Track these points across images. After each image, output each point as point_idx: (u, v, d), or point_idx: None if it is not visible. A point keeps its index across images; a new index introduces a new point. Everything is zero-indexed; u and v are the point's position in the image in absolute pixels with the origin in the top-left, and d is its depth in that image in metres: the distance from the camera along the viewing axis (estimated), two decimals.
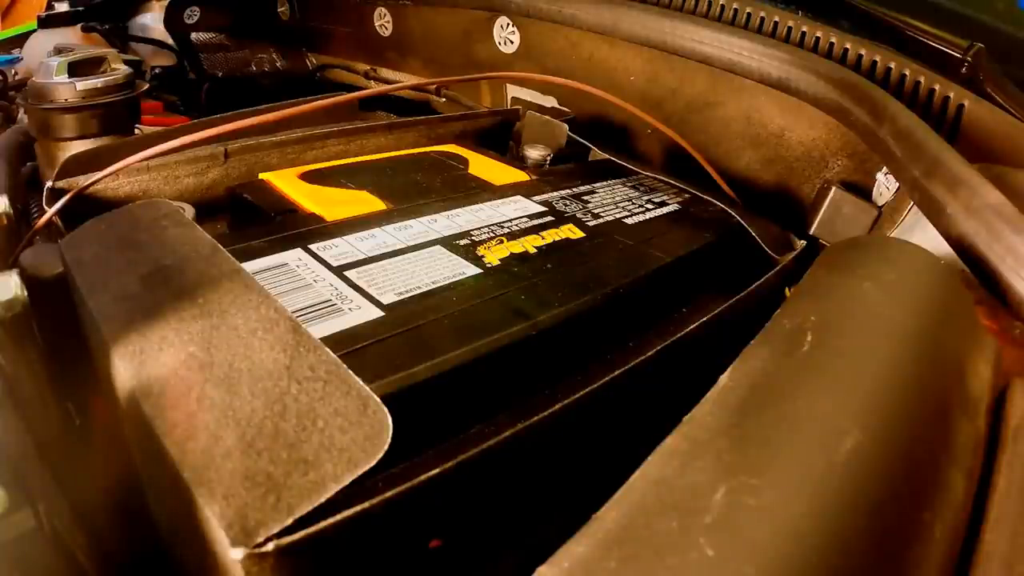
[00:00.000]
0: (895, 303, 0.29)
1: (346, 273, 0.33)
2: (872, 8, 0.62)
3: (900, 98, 0.45)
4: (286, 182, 0.44)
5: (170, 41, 0.89)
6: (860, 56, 0.53)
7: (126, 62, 0.54)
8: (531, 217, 0.42)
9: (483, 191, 0.46)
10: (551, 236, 0.40)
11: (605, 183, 0.50)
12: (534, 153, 0.54)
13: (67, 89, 0.48)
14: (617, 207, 0.46)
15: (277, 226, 0.38)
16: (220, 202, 0.45)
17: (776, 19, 0.57)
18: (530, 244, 0.39)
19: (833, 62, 0.51)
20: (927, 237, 0.38)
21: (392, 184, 0.45)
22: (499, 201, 0.44)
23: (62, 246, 0.31)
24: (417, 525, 0.23)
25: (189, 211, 0.39)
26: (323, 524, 0.19)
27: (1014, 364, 0.33)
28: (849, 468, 0.20)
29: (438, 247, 0.37)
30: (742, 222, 0.44)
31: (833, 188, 0.50)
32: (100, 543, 0.28)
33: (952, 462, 0.24)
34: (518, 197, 0.45)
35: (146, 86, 0.55)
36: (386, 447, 0.20)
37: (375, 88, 0.75)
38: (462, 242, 0.38)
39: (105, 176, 0.39)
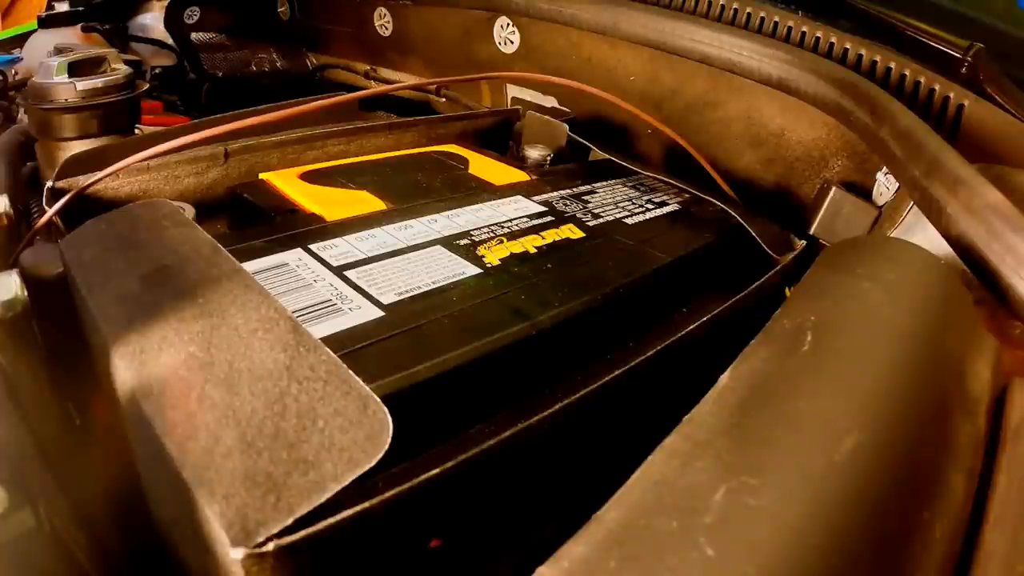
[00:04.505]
0: (895, 303, 0.29)
1: (346, 273, 0.33)
2: (872, 8, 0.62)
3: (900, 98, 0.45)
4: (286, 182, 0.44)
5: (170, 41, 0.89)
6: (860, 56, 0.53)
7: (126, 62, 0.54)
8: (531, 217, 0.42)
9: (483, 191, 0.46)
10: (551, 236, 0.40)
11: (605, 183, 0.50)
12: (534, 153, 0.54)
13: (67, 89, 0.48)
14: (617, 207, 0.46)
15: (277, 226, 0.38)
16: (220, 202, 0.45)
17: (776, 19, 0.57)
18: (530, 244, 0.39)
19: (833, 62, 0.51)
20: (927, 237, 0.38)
21: (392, 184, 0.45)
22: (499, 201, 0.44)
23: (62, 246, 0.31)
24: (417, 525, 0.23)
25: (189, 211, 0.39)
26: (323, 524, 0.19)
27: (1014, 364, 0.33)
28: (849, 468, 0.20)
29: (438, 247, 0.37)
30: (742, 222, 0.44)
31: (833, 188, 0.50)
32: (100, 543, 0.28)
33: (952, 462, 0.24)
34: (518, 197, 0.45)
35: (146, 86, 0.55)
36: (386, 447, 0.20)
37: (375, 88, 0.75)
38: (462, 242, 0.38)
39: (105, 176, 0.39)
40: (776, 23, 0.57)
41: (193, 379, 0.23)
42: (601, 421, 0.29)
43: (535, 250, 0.38)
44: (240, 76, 0.92)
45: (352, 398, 0.21)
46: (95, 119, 0.50)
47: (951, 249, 0.35)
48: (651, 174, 0.52)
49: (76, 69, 0.49)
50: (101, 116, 0.50)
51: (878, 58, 0.52)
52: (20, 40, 0.86)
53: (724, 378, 0.24)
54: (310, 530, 0.18)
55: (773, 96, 0.57)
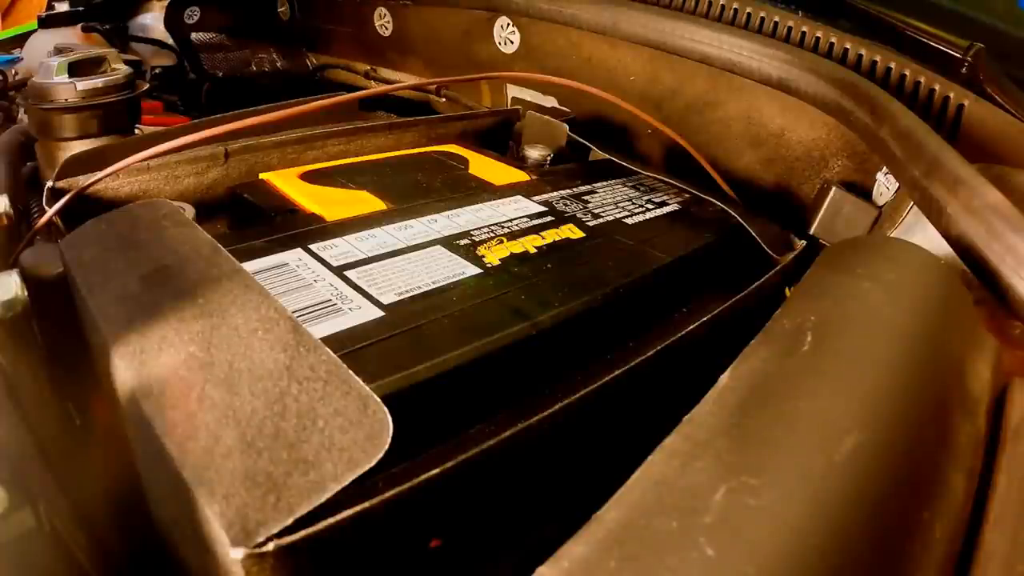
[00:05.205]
0: (895, 303, 0.29)
1: (346, 273, 0.33)
2: (872, 8, 0.62)
3: (900, 98, 0.45)
4: (286, 182, 0.44)
5: (170, 41, 0.89)
6: (860, 56, 0.53)
7: (126, 62, 0.54)
8: (531, 217, 0.42)
9: (483, 191, 0.46)
10: (551, 236, 0.40)
11: (605, 183, 0.50)
12: (534, 153, 0.54)
13: (67, 89, 0.48)
14: (617, 207, 0.46)
15: (277, 226, 0.38)
16: (220, 202, 0.45)
17: (776, 19, 0.57)
18: (530, 244, 0.39)
19: (833, 62, 0.51)
20: (927, 237, 0.38)
21: (392, 184, 0.45)
22: (499, 201, 0.44)
23: (62, 246, 0.31)
24: (417, 525, 0.23)
25: (189, 211, 0.39)
26: (323, 524, 0.19)
27: (1014, 364, 0.33)
28: (849, 468, 0.20)
29: (438, 247, 0.37)
30: (742, 222, 0.44)
31: (833, 188, 0.50)
32: (100, 543, 0.28)
33: (952, 462, 0.24)
34: (518, 197, 0.45)
35: (146, 86, 0.55)
36: (386, 447, 0.20)
37: (375, 88, 0.75)
38: (462, 242, 0.38)
39: (105, 176, 0.39)
40: (776, 23, 0.57)
41: (193, 379, 0.23)
42: (601, 421, 0.29)
43: (535, 250, 0.38)
44: (240, 76, 0.92)
45: (352, 398, 0.21)
46: (95, 119, 0.50)
47: (951, 249, 0.35)
48: (651, 174, 0.52)
49: (76, 69, 0.49)
50: (101, 116, 0.50)
51: (878, 58, 0.52)
52: (20, 40, 0.86)
53: (724, 378, 0.24)
54: (310, 530, 0.18)
55: (773, 96, 0.57)
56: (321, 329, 0.28)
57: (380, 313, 0.30)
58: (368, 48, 0.91)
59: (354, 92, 0.53)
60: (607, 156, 0.54)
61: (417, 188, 0.45)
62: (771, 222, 0.46)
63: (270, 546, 0.18)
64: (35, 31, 0.85)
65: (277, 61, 0.96)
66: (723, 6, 0.59)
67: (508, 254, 0.37)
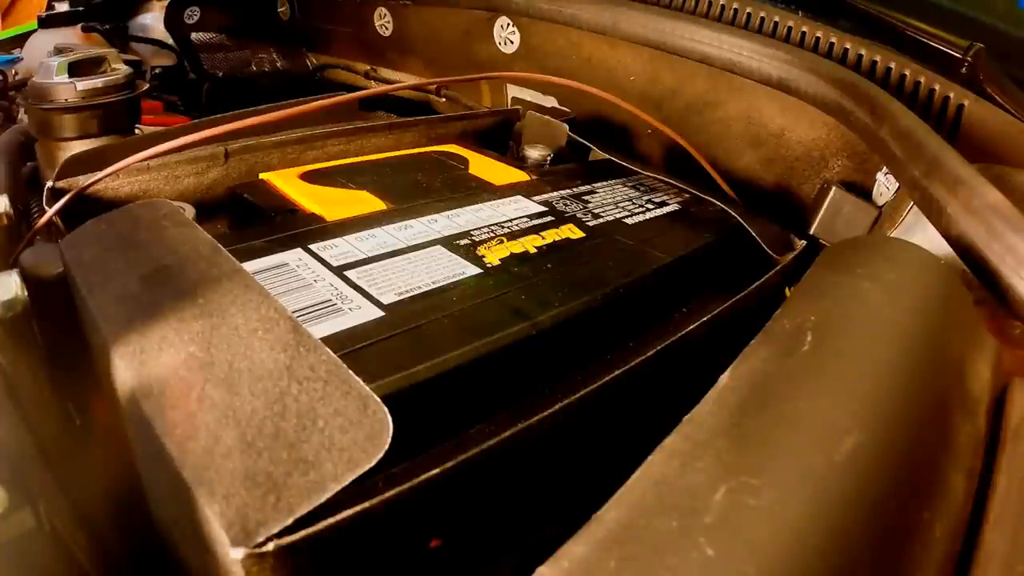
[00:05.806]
0: (895, 303, 0.29)
1: (346, 273, 0.33)
2: (872, 8, 0.62)
3: (900, 98, 0.45)
4: (286, 182, 0.44)
5: (170, 41, 0.89)
6: (860, 56, 0.53)
7: (126, 62, 0.54)
8: (531, 217, 0.42)
9: (483, 191, 0.46)
10: (551, 236, 0.40)
11: (605, 183, 0.50)
12: (534, 153, 0.54)
13: (67, 89, 0.48)
14: (617, 207, 0.46)
15: (277, 226, 0.38)
16: (220, 202, 0.45)
17: (776, 19, 0.57)
18: (530, 244, 0.39)
19: (833, 62, 0.51)
20: (927, 237, 0.38)
21: (392, 184, 0.45)
22: (499, 201, 0.44)
23: (62, 246, 0.31)
24: (417, 525, 0.23)
25: (189, 211, 0.39)
26: (323, 524, 0.19)
27: (1014, 364, 0.33)
28: (849, 468, 0.20)
29: (438, 247, 0.37)
30: (742, 222, 0.44)
31: (833, 188, 0.50)
32: (100, 543, 0.28)
33: (952, 462, 0.24)
34: (518, 197, 0.45)
35: (146, 86, 0.55)
36: (386, 447, 0.20)
37: (375, 88, 0.75)
38: (462, 242, 0.38)
39: (105, 176, 0.39)
40: (776, 23, 0.57)
41: (193, 379, 0.23)
42: (601, 421, 0.29)
43: (535, 250, 0.38)
44: (240, 76, 0.92)
45: (352, 398, 0.21)
46: (95, 119, 0.50)
47: (951, 249, 0.35)
48: (651, 174, 0.52)
49: (76, 69, 0.49)
50: (101, 116, 0.50)
51: (878, 58, 0.52)
52: (20, 40, 0.86)
53: (724, 378, 0.24)
54: (310, 530, 0.18)
55: (773, 96, 0.57)
56: (321, 329, 0.28)
57: (380, 313, 0.30)
58: (368, 48, 0.91)
59: (354, 92, 0.53)
60: (607, 156, 0.54)
61: (417, 188, 0.45)
62: (771, 222, 0.46)
63: (270, 546, 0.18)
64: (35, 31, 0.85)
65: (277, 61, 0.96)
66: (723, 6, 0.59)
67: (508, 254, 0.37)
